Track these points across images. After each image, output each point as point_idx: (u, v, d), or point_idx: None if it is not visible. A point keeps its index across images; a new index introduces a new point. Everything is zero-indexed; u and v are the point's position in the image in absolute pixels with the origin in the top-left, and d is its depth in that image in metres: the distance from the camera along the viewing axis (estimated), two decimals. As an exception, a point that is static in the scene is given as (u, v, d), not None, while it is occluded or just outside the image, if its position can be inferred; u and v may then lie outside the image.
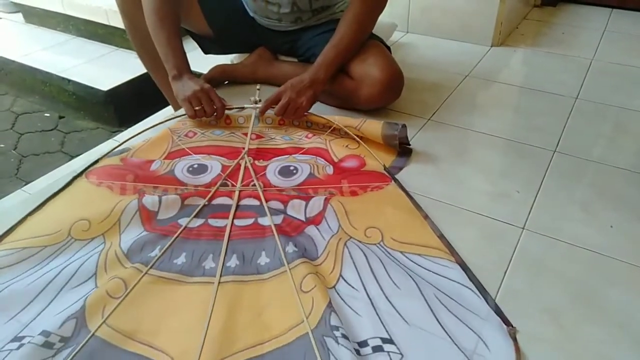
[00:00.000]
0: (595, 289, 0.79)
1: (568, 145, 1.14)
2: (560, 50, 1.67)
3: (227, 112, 1.19)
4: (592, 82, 1.45)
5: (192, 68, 1.40)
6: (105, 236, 0.86)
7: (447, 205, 0.96)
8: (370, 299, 0.75)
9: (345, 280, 0.78)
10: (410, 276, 0.78)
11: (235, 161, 1.04)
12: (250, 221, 0.90)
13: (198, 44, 1.42)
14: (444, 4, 1.74)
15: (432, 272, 0.80)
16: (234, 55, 1.54)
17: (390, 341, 0.69)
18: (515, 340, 0.69)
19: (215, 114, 1.15)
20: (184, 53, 1.20)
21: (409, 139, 1.12)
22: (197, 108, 1.12)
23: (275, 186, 0.99)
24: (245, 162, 1.04)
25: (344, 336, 0.66)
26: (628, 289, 0.79)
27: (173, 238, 0.85)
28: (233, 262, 0.82)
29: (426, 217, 0.91)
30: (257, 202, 0.95)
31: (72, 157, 1.64)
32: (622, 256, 0.84)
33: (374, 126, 1.10)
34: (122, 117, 2.02)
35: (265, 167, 1.04)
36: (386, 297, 0.75)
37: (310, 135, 1.14)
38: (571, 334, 0.72)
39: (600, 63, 1.58)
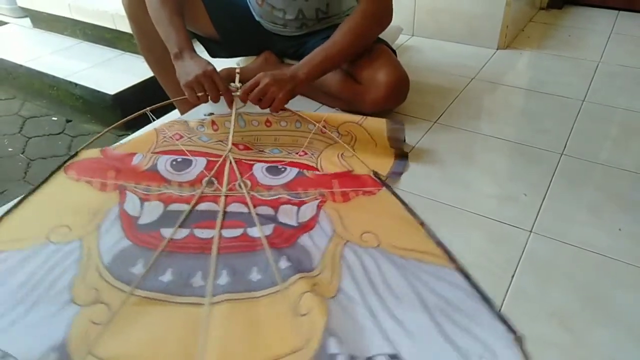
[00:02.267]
0: (603, 292, 0.78)
1: (575, 148, 1.14)
2: (566, 53, 1.67)
3: (213, 117, 1.15)
4: (599, 85, 1.45)
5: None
6: (84, 240, 0.83)
7: (454, 209, 0.96)
8: (371, 311, 0.72)
9: (344, 292, 0.75)
10: (411, 284, 0.76)
11: (221, 159, 0.99)
12: (238, 232, 0.85)
13: (205, 47, 1.42)
14: (450, 7, 1.74)
15: (433, 276, 0.78)
16: (240, 58, 1.54)
17: (396, 357, 0.66)
18: (521, 348, 0.68)
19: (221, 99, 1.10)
20: (186, 31, 1.15)
21: (416, 142, 1.12)
22: (199, 94, 1.07)
23: (263, 184, 0.96)
24: (230, 159, 0.99)
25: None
26: (637, 291, 0.78)
27: (157, 252, 0.80)
28: (223, 278, 0.77)
29: (422, 224, 0.88)
30: (245, 209, 0.90)
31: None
32: (631, 259, 0.84)
33: (377, 123, 1.10)
34: (128, 121, 2.02)
35: (252, 165, 1.01)
36: (388, 309, 0.73)
37: (302, 153, 1.09)
38: (580, 338, 0.71)
39: (607, 65, 1.57)
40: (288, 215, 0.89)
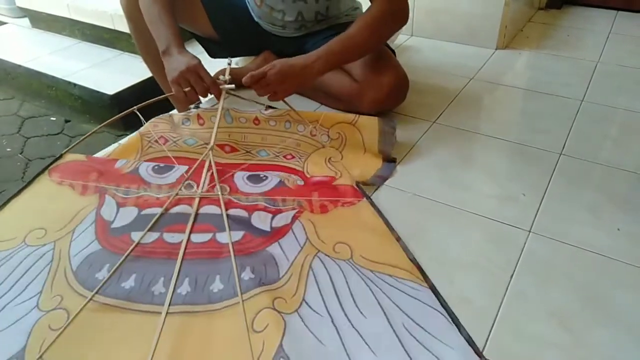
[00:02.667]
0: (603, 292, 0.78)
1: (574, 148, 1.14)
2: (565, 53, 1.67)
3: (199, 111, 1.13)
4: (597, 85, 1.45)
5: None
6: (56, 244, 0.83)
7: (453, 209, 0.96)
8: (335, 326, 0.70)
9: (308, 305, 0.73)
10: (378, 300, 0.74)
11: (199, 159, 0.95)
12: (207, 237, 0.84)
13: (204, 48, 1.42)
14: (449, 7, 1.74)
15: (403, 292, 0.76)
16: (239, 58, 1.54)
17: None
18: None
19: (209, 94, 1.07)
20: (176, 28, 1.12)
21: (414, 142, 1.12)
22: (186, 89, 1.03)
23: (242, 191, 0.94)
24: (210, 159, 0.96)
25: None
26: (636, 291, 0.78)
27: (123, 257, 0.80)
28: (184, 288, 0.76)
29: (398, 239, 0.86)
30: (218, 211, 0.89)
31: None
32: (630, 259, 0.84)
33: (370, 121, 1.10)
34: (127, 121, 2.01)
35: (232, 174, 0.99)
36: (352, 325, 0.71)
37: (289, 156, 1.08)
38: (580, 338, 0.71)
39: (606, 65, 1.57)
40: (262, 221, 0.88)
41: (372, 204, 0.94)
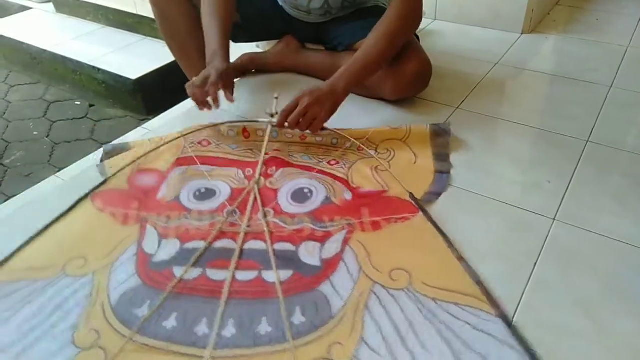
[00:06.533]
0: (628, 281, 0.77)
1: (601, 135, 1.11)
2: (594, 37, 1.63)
3: (244, 124, 1.12)
4: (627, 70, 1.41)
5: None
6: (95, 275, 0.80)
7: (476, 195, 0.95)
8: None
9: (367, 344, 0.68)
10: (442, 336, 0.69)
11: (245, 192, 0.95)
12: (253, 275, 0.79)
13: (226, 32, 1.42)
14: (474, -10, 1.70)
15: (471, 326, 0.70)
16: (261, 43, 1.54)
17: None
18: None
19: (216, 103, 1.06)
20: (223, 33, 1.13)
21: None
22: (193, 91, 1.04)
23: (286, 213, 0.91)
24: (255, 191, 0.95)
25: None
26: (663, 282, 0.77)
27: (165, 294, 0.76)
28: (229, 330, 0.71)
29: (460, 258, 0.80)
30: (264, 246, 0.84)
31: (102, 145, 1.68)
32: (657, 249, 0.82)
33: (422, 137, 1.07)
34: (150, 106, 2.05)
35: (277, 190, 0.96)
36: None
37: (333, 162, 1.04)
38: (604, 328, 0.70)
39: (636, 50, 1.53)
40: (310, 253, 0.83)
41: (430, 220, 0.88)
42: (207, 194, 0.97)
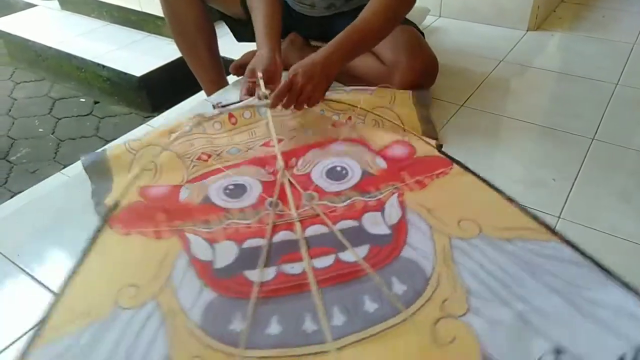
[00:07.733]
0: (633, 280, 0.77)
1: (607, 133, 1.11)
2: (600, 35, 1.62)
3: (231, 108, 1.07)
4: (633, 68, 1.40)
5: (223, 54, 1.42)
6: (159, 299, 0.71)
7: (481, 193, 0.95)
8: (512, 311, 0.67)
9: (476, 300, 0.68)
10: (530, 271, 0.72)
11: (278, 179, 0.91)
12: (331, 259, 0.76)
13: (231, 31, 1.42)
14: (479, -13, 1.70)
15: (549, 257, 0.74)
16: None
17: (561, 351, 0.62)
18: None
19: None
20: (272, 29, 1.14)
21: (442, 125, 1.10)
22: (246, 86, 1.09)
23: (330, 192, 0.88)
24: (287, 178, 0.91)
25: None
26: (669, 281, 0.77)
27: (251, 302, 0.70)
28: (338, 318, 0.67)
29: (510, 199, 0.83)
30: (325, 229, 0.81)
31: (107, 142, 1.68)
32: (663, 247, 0.82)
33: (405, 101, 1.09)
34: (154, 103, 2.05)
35: (309, 174, 0.93)
36: (526, 303, 0.68)
37: (336, 123, 1.04)
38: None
39: (642, 48, 1.52)
40: (376, 224, 0.81)
41: (467, 169, 0.90)
42: (237, 190, 0.91)
